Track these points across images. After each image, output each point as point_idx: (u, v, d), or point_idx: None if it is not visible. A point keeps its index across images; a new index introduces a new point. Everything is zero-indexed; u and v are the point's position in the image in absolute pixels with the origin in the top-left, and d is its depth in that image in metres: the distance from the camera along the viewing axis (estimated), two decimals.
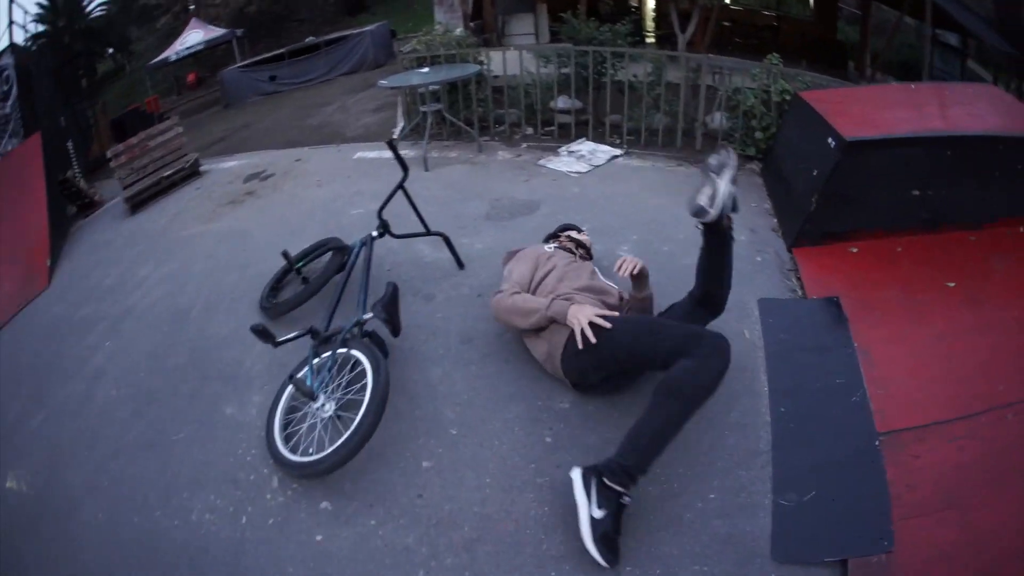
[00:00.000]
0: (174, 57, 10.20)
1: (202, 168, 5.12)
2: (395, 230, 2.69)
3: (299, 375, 1.95)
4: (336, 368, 1.97)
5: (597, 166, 4.07)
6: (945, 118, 3.00)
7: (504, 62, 4.63)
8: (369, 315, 1.98)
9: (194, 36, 10.12)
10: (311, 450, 1.85)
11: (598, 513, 1.55)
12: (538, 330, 2.02)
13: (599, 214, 3.32)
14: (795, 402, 1.99)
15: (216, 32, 10.36)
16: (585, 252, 2.53)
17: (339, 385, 1.96)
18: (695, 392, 1.58)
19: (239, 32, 10.53)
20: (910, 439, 1.88)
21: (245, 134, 6.29)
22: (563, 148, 4.41)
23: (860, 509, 1.75)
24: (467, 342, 2.38)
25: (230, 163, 5.38)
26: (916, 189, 2.72)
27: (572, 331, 1.85)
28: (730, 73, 4.28)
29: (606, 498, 1.56)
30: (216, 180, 4.93)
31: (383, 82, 4.27)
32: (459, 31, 5.58)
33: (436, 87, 4.17)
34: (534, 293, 2.13)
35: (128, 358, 2.76)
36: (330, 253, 2.63)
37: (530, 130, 4.83)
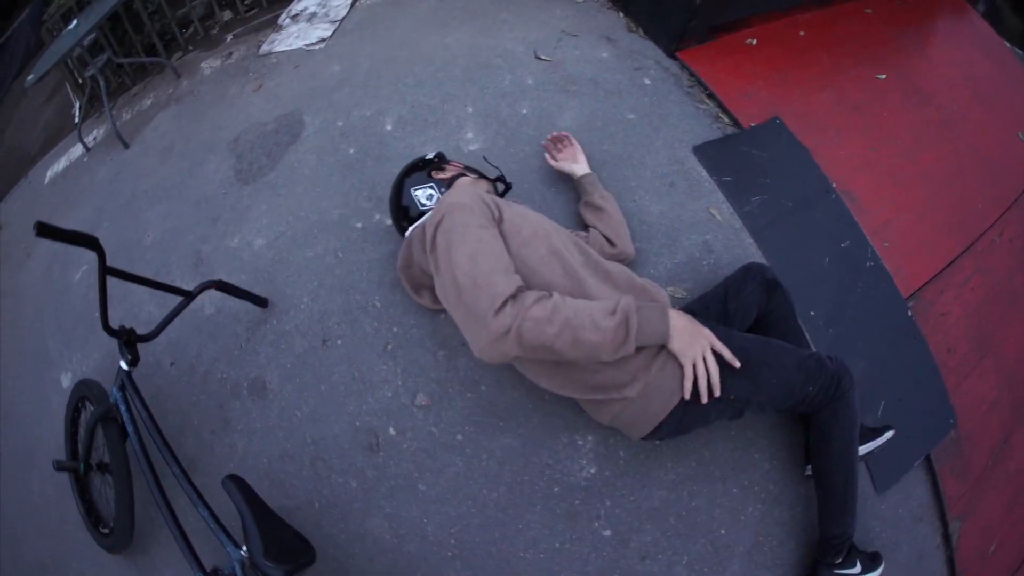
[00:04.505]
0: None
1: None
2: (143, 314, 1.79)
3: None
4: None
5: (341, 20, 2.70)
6: None
7: None
8: (242, 553, 1.19)
9: None
10: None
11: None
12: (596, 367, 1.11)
13: (394, 95, 2.12)
14: (820, 296, 1.52)
15: None
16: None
17: None
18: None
19: None
20: (933, 295, 1.60)
21: None
22: (283, 16, 2.95)
23: (922, 397, 1.52)
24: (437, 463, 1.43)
25: None
26: None
27: (680, 372, 1.08)
28: None
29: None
30: None
31: (30, 79, 2.92)
32: None
33: (92, 36, 2.89)
34: None
35: None
36: (99, 424, 1.63)
37: (229, 15, 3.29)
